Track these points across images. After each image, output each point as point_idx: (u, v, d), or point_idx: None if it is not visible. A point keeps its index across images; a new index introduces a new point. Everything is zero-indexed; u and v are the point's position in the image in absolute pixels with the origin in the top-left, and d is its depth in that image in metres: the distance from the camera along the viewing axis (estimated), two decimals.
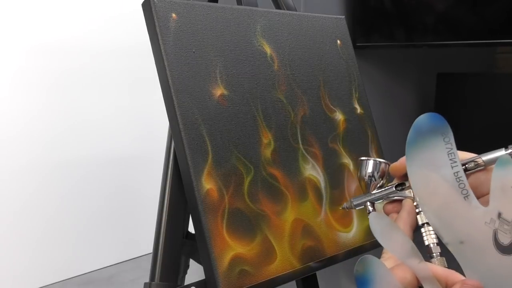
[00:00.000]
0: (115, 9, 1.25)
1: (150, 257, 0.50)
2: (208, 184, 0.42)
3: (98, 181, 1.26)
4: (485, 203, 0.31)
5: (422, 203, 0.32)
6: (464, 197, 0.31)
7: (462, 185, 0.31)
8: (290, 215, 0.47)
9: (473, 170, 0.33)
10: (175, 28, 0.44)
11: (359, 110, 0.58)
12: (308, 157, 0.51)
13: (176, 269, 0.50)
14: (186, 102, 0.43)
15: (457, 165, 0.31)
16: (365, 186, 0.41)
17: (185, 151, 0.42)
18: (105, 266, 1.29)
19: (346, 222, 0.52)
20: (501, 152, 0.32)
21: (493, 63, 1.98)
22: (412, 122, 0.38)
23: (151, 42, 0.44)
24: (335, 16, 0.60)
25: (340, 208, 0.48)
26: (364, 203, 0.41)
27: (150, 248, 0.51)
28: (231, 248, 0.42)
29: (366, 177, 0.40)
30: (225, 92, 0.46)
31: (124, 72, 1.27)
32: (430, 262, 0.34)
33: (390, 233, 0.31)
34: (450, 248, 0.31)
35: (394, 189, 0.39)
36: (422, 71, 1.83)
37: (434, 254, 0.35)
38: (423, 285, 0.30)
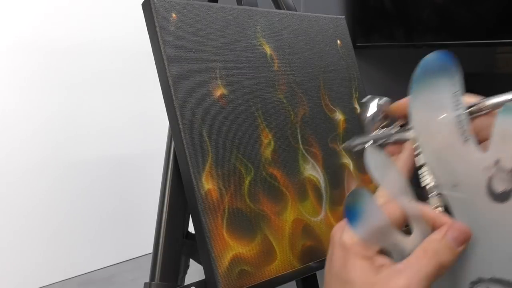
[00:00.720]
0: (115, 9, 1.25)
1: (150, 257, 0.50)
2: (208, 184, 0.42)
3: (98, 181, 1.26)
4: (486, 148, 0.30)
5: (421, 142, 0.32)
6: (464, 141, 0.30)
7: (463, 128, 0.30)
8: (290, 215, 0.47)
9: (477, 114, 0.32)
10: (175, 28, 0.44)
11: (359, 110, 0.58)
12: (308, 157, 0.51)
13: (176, 269, 0.50)
14: (186, 102, 0.43)
15: (460, 108, 0.31)
16: (368, 127, 0.40)
17: (185, 151, 0.42)
18: (105, 266, 1.29)
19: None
20: (508, 96, 0.31)
21: (493, 63, 1.98)
22: None
23: (151, 42, 0.44)
24: (335, 16, 0.60)
25: (341, 147, 0.47)
26: (365, 144, 0.40)
27: (150, 248, 0.51)
28: (231, 248, 0.42)
29: (368, 118, 0.39)
30: (225, 92, 0.46)
31: (124, 72, 1.27)
32: (427, 202, 0.34)
33: (384, 169, 0.31)
34: (443, 191, 0.31)
35: (395, 129, 0.38)
36: None
37: (431, 194, 0.35)
38: (411, 224, 0.30)
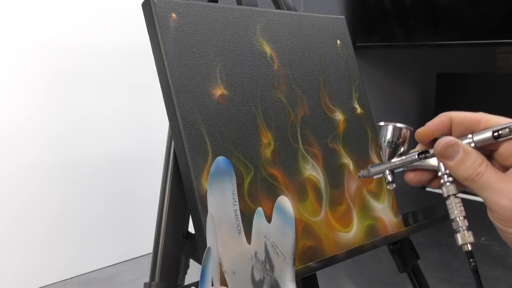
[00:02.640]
0: (115, 9, 1.25)
1: (150, 257, 0.50)
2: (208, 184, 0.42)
3: (98, 181, 1.26)
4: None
5: (216, 228, 0.38)
6: (238, 232, 0.36)
7: (238, 222, 0.37)
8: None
9: (507, 137, 0.32)
10: (175, 28, 0.44)
11: (359, 110, 0.58)
12: (308, 157, 0.51)
13: (176, 269, 0.50)
14: (186, 102, 0.43)
15: (236, 204, 0.38)
16: (384, 154, 0.38)
17: (185, 151, 0.42)
18: (105, 266, 1.29)
19: (346, 222, 0.52)
20: None
21: (493, 63, 1.98)
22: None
23: (151, 42, 0.44)
24: (335, 16, 0.60)
25: (357, 176, 0.46)
26: (383, 172, 0.39)
27: (150, 248, 0.51)
28: None
29: (385, 144, 0.38)
30: (225, 92, 0.46)
31: (124, 72, 1.27)
32: (455, 236, 0.35)
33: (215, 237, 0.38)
34: (226, 276, 0.36)
35: (416, 157, 0.37)
36: (422, 71, 1.83)
37: (460, 228, 0.34)
38: None
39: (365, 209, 0.54)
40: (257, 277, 0.35)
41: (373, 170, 0.40)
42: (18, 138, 1.13)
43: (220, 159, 0.39)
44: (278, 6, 0.60)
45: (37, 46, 1.14)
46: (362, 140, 0.57)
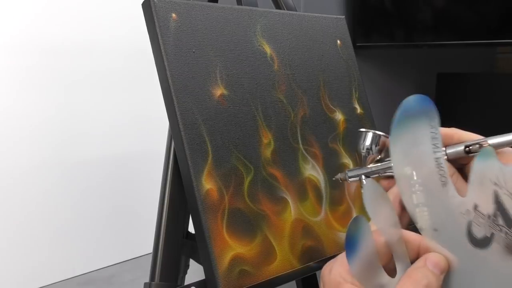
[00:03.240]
0: (115, 9, 1.25)
1: (150, 257, 0.50)
2: (208, 184, 0.42)
3: (98, 181, 1.26)
4: (464, 193, 0.31)
5: (400, 184, 0.32)
6: (442, 184, 0.30)
7: (441, 172, 0.31)
8: (290, 215, 0.47)
9: (477, 153, 0.32)
10: (175, 28, 0.44)
11: (359, 110, 0.58)
12: (308, 157, 0.51)
13: (176, 269, 0.50)
14: (186, 102, 0.43)
15: (439, 151, 0.31)
16: (362, 159, 0.39)
17: (185, 151, 0.42)
18: (105, 266, 1.29)
19: (346, 222, 0.52)
20: (509, 137, 0.31)
21: (493, 63, 1.98)
22: None
23: (151, 42, 0.44)
24: (335, 16, 0.60)
25: (333, 179, 0.47)
26: (359, 176, 0.40)
27: (150, 248, 0.51)
28: (231, 248, 0.42)
29: (364, 150, 0.39)
30: (225, 92, 0.46)
31: (124, 72, 1.27)
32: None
33: (378, 202, 0.31)
34: (423, 234, 0.31)
35: (392, 164, 0.38)
36: (422, 71, 1.83)
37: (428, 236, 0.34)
38: (393, 252, 0.30)
39: (365, 209, 0.54)
40: (479, 234, 0.29)
41: (350, 173, 0.41)
42: (18, 139, 1.13)
43: (412, 98, 0.31)
44: (278, 6, 0.60)
45: (38, 46, 1.14)
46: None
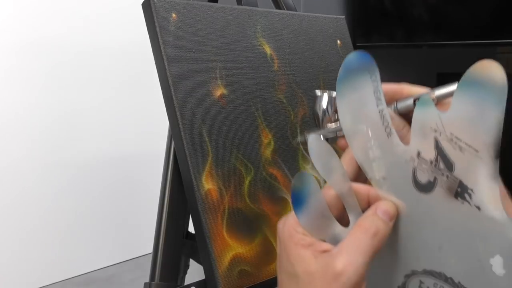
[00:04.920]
0: (115, 9, 1.25)
1: (150, 257, 0.50)
2: (208, 184, 0.42)
3: (98, 181, 1.26)
4: (408, 141, 0.32)
5: (349, 139, 0.33)
6: (387, 135, 0.31)
7: (385, 123, 0.31)
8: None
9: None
10: (175, 28, 0.44)
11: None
12: (308, 157, 0.51)
13: (176, 269, 0.50)
14: (186, 102, 0.43)
15: (381, 103, 0.32)
16: (320, 121, 0.40)
17: (185, 151, 0.42)
18: (105, 266, 1.29)
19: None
20: (453, 87, 0.31)
21: None
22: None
23: (151, 42, 0.44)
24: (335, 16, 0.60)
25: (293, 141, 0.48)
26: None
27: (150, 248, 0.51)
28: (231, 248, 0.42)
29: (320, 112, 0.40)
30: (225, 92, 0.46)
31: (124, 72, 1.27)
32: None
33: (325, 157, 0.32)
34: (373, 183, 0.32)
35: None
36: (422, 71, 1.83)
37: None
38: (344, 203, 0.31)
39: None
40: (423, 179, 0.30)
41: (308, 135, 0.42)
42: (19, 140, 1.13)
43: (352, 55, 0.32)
44: (278, 6, 0.60)
45: (37, 45, 1.14)
46: None
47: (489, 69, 0.30)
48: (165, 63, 0.42)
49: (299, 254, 0.29)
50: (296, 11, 0.58)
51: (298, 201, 0.30)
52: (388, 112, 0.32)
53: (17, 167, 1.12)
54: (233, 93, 0.46)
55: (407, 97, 0.35)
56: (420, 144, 0.30)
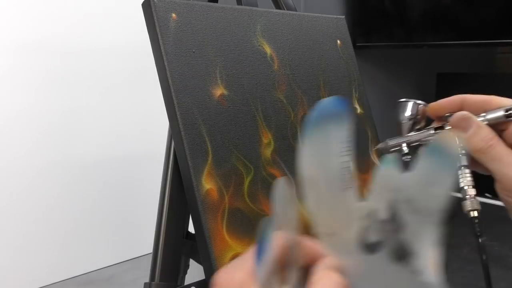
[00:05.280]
0: (115, 9, 1.25)
1: (150, 257, 0.50)
2: (208, 184, 0.42)
3: (98, 180, 1.26)
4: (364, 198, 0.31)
5: (304, 186, 0.31)
6: (345, 189, 0.30)
7: (345, 176, 0.31)
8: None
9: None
10: (175, 28, 0.44)
11: (359, 110, 0.58)
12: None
13: (176, 269, 0.50)
14: (186, 102, 0.43)
15: (348, 155, 0.31)
16: (402, 129, 0.41)
17: (185, 151, 0.42)
18: (105, 266, 1.29)
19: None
20: None
21: (494, 63, 1.98)
22: None
23: (151, 42, 0.44)
24: (335, 16, 0.60)
25: (373, 149, 0.48)
26: (400, 145, 0.41)
27: (150, 248, 0.51)
28: (231, 248, 0.42)
29: (404, 120, 0.40)
30: (225, 92, 0.46)
31: (123, 72, 1.27)
32: (463, 203, 0.35)
33: (286, 205, 0.29)
34: (320, 238, 0.30)
35: (432, 131, 0.39)
36: (422, 71, 1.83)
37: (468, 196, 0.36)
38: (289, 258, 0.29)
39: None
40: (371, 239, 0.29)
41: (390, 142, 0.42)
42: (19, 140, 1.13)
43: (328, 100, 0.31)
44: (278, 6, 0.60)
45: (36, 45, 1.14)
46: (362, 140, 0.57)
47: (448, 142, 0.30)
48: (165, 63, 0.42)
49: None
50: (296, 11, 0.58)
51: (262, 251, 0.27)
52: (477, 121, 0.33)
53: (16, 167, 1.12)
54: (233, 93, 0.46)
55: (496, 108, 0.36)
56: (376, 203, 0.30)
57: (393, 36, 1.55)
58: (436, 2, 1.44)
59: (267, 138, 0.48)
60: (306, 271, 0.29)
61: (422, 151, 0.30)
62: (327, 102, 0.31)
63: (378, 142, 0.59)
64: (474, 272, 1.00)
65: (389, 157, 0.31)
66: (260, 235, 0.28)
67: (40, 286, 1.18)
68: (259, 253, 0.27)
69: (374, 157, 0.58)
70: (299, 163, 0.32)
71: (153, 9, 0.43)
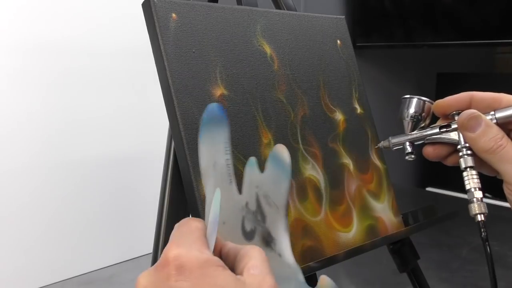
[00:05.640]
0: (115, 9, 1.25)
1: (150, 257, 0.50)
2: None
3: (98, 181, 1.26)
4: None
5: (203, 178, 0.37)
6: (229, 182, 0.36)
7: (229, 171, 0.36)
8: (289, 215, 0.47)
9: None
10: (175, 28, 0.44)
11: (359, 110, 0.58)
12: (308, 157, 0.51)
13: None
14: (186, 102, 0.43)
15: (228, 153, 0.37)
16: (406, 126, 0.40)
17: (185, 151, 0.42)
18: (105, 266, 1.29)
19: (346, 222, 0.52)
20: None
21: (493, 63, 1.98)
22: None
23: (151, 42, 0.44)
24: (335, 16, 0.60)
25: (376, 147, 0.48)
26: (403, 143, 0.40)
27: (150, 248, 0.51)
28: None
29: (408, 117, 0.39)
30: (225, 92, 0.46)
31: (123, 72, 1.27)
32: (469, 206, 0.36)
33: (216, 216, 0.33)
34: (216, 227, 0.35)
35: (437, 130, 0.38)
36: (422, 71, 1.83)
37: (475, 199, 0.35)
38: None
39: (365, 209, 0.54)
40: (248, 227, 0.35)
41: (393, 140, 0.42)
42: (18, 138, 1.13)
43: (213, 105, 0.38)
44: (278, 6, 0.60)
45: (37, 46, 1.14)
46: (362, 140, 0.57)
47: (284, 152, 0.39)
48: (165, 63, 0.42)
49: (226, 278, 0.27)
50: (296, 11, 0.58)
51: (214, 222, 0.31)
52: (486, 120, 0.34)
53: (16, 166, 1.12)
54: (233, 93, 0.46)
55: (506, 106, 0.35)
56: (247, 196, 0.35)
57: (393, 36, 1.55)
58: (436, 2, 1.44)
59: (267, 138, 0.48)
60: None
61: (269, 156, 0.38)
62: (212, 107, 0.38)
63: (378, 142, 0.59)
64: (474, 272, 1.00)
65: (252, 159, 0.38)
66: (212, 207, 0.32)
67: (40, 286, 1.18)
68: (213, 224, 0.32)
69: (374, 157, 0.58)
70: (199, 156, 0.37)
71: (153, 9, 0.43)
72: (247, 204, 0.35)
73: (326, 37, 0.57)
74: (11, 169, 1.11)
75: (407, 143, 0.40)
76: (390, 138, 0.42)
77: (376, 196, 0.56)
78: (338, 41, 0.59)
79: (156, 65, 0.44)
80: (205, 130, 0.37)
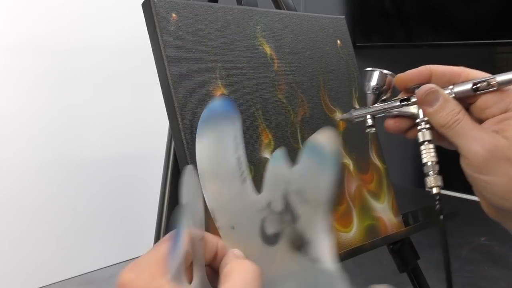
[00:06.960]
0: (115, 9, 1.25)
1: None
2: None
3: (98, 181, 1.26)
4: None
5: (203, 182, 0.32)
6: (242, 182, 0.32)
7: (241, 170, 0.32)
8: None
9: (485, 91, 0.33)
10: (175, 28, 0.44)
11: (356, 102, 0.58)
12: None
13: None
14: (186, 102, 0.43)
15: (240, 150, 0.32)
16: (367, 99, 0.40)
17: (185, 151, 0.42)
18: (105, 266, 1.29)
19: (346, 222, 0.52)
20: None
21: (493, 63, 1.98)
22: None
23: (151, 42, 0.44)
24: (335, 16, 0.60)
25: (338, 119, 0.47)
26: (364, 116, 0.40)
27: (150, 248, 0.51)
28: None
29: (370, 90, 0.39)
30: (225, 92, 0.46)
31: (123, 72, 1.27)
32: (425, 179, 0.35)
33: (192, 197, 0.29)
34: (221, 233, 0.31)
35: (398, 103, 0.38)
36: None
37: (431, 172, 0.35)
38: (193, 252, 0.28)
39: (365, 209, 0.54)
40: (270, 230, 0.30)
41: (355, 113, 0.42)
42: (17, 138, 1.13)
43: (216, 102, 0.33)
44: (278, 6, 0.60)
45: (35, 44, 1.14)
46: (362, 140, 0.57)
47: (330, 138, 0.33)
48: (165, 63, 0.42)
49: None
50: (296, 11, 0.58)
51: (176, 243, 0.26)
52: (443, 94, 0.32)
53: (16, 167, 1.12)
54: (233, 93, 0.46)
55: (465, 81, 0.35)
56: (271, 195, 0.31)
57: (393, 36, 1.55)
58: (436, 2, 1.44)
59: (267, 138, 0.48)
60: (213, 266, 0.30)
61: (304, 147, 0.32)
62: (216, 104, 0.34)
63: (378, 142, 0.59)
64: (474, 272, 1.00)
65: (278, 152, 0.33)
66: (173, 227, 0.27)
67: (40, 286, 1.18)
68: (173, 245, 0.27)
69: (374, 157, 0.58)
70: (197, 159, 0.33)
71: (153, 9, 0.43)
72: (269, 204, 0.31)
73: (326, 37, 0.57)
74: (11, 169, 1.11)
75: (368, 116, 0.40)
76: (351, 111, 0.42)
77: (376, 196, 0.56)
78: (338, 41, 0.59)
79: (156, 65, 0.44)
80: (205, 126, 0.34)
